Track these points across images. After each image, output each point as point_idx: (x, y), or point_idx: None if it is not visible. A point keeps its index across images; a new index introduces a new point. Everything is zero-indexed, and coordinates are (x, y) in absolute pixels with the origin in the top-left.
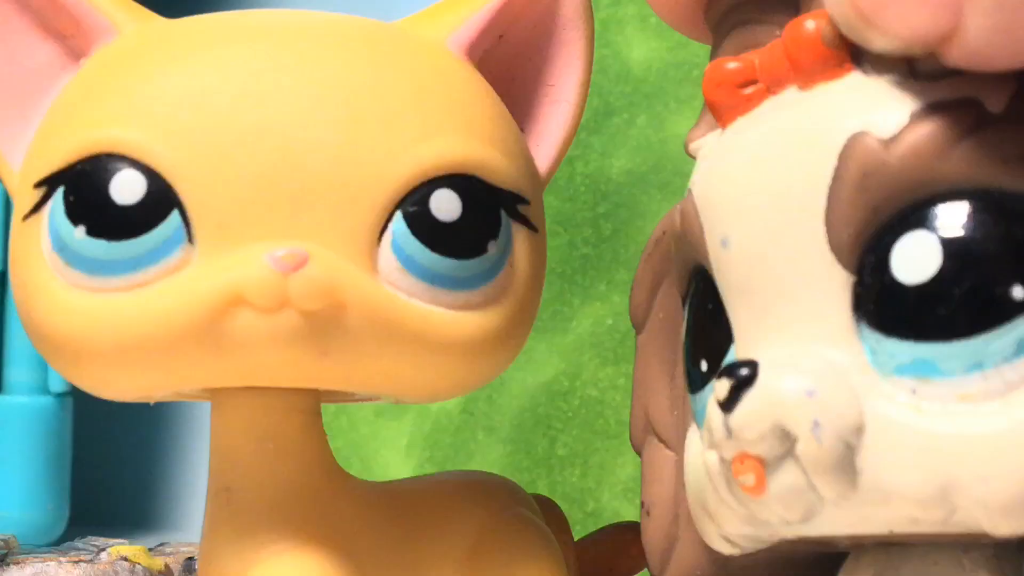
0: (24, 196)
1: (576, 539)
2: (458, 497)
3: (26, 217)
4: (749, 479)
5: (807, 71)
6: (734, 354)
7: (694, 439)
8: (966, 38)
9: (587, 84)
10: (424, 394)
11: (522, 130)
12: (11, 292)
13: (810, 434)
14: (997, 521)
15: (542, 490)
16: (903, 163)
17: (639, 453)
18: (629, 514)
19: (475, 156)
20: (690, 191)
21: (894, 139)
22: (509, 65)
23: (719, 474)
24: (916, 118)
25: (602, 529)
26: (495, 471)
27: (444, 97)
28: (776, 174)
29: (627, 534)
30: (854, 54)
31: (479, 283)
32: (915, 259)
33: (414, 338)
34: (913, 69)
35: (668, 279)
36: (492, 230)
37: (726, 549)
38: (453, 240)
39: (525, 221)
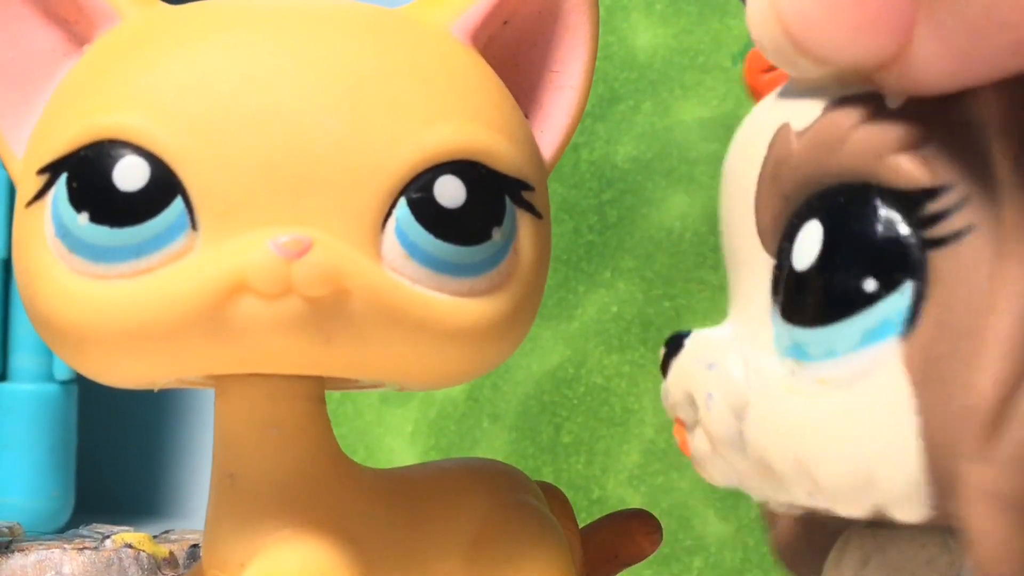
0: (27, 183)
1: (581, 526)
2: (463, 484)
3: (29, 204)
4: (677, 440)
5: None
6: None
7: None
8: (912, 63)
9: (592, 70)
10: (428, 381)
11: (527, 116)
12: (15, 279)
13: (705, 404)
14: (832, 502)
15: (547, 477)
16: (804, 154)
17: None
18: (634, 501)
19: (479, 142)
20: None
21: (804, 131)
22: (514, 51)
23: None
24: (826, 110)
25: (607, 516)
26: (500, 458)
27: (448, 83)
28: (739, 159)
29: (632, 521)
30: None
31: (483, 270)
32: (806, 246)
33: (418, 325)
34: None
35: None
36: (496, 216)
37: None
38: (457, 226)
39: (530, 208)
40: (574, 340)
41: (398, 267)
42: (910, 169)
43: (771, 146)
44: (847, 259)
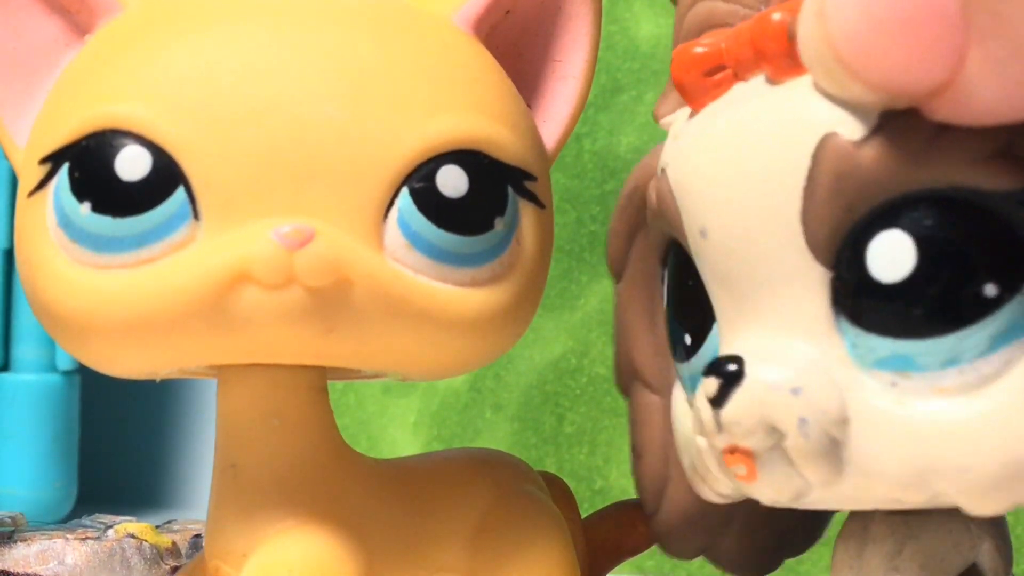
0: (29, 172)
1: (583, 517)
2: (465, 475)
3: (31, 193)
4: (740, 469)
5: (775, 65)
6: (717, 334)
7: (680, 399)
8: (964, 91)
9: (594, 60)
10: (430, 371)
11: (529, 106)
12: (17, 269)
13: (797, 431)
14: (975, 503)
15: (550, 468)
16: (876, 165)
17: (625, 396)
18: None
19: (482, 132)
20: (664, 171)
21: (865, 140)
22: (516, 40)
23: (711, 457)
24: (885, 119)
25: (609, 506)
26: (503, 449)
27: (451, 73)
28: (750, 170)
29: (634, 511)
30: None
31: (486, 260)
32: (890, 258)
33: (420, 314)
34: None
35: (643, 231)
36: (499, 206)
37: (717, 500)
38: (459, 216)
39: (532, 197)
40: (577, 330)
41: (400, 257)
42: (1005, 170)
43: (820, 157)
44: (957, 268)
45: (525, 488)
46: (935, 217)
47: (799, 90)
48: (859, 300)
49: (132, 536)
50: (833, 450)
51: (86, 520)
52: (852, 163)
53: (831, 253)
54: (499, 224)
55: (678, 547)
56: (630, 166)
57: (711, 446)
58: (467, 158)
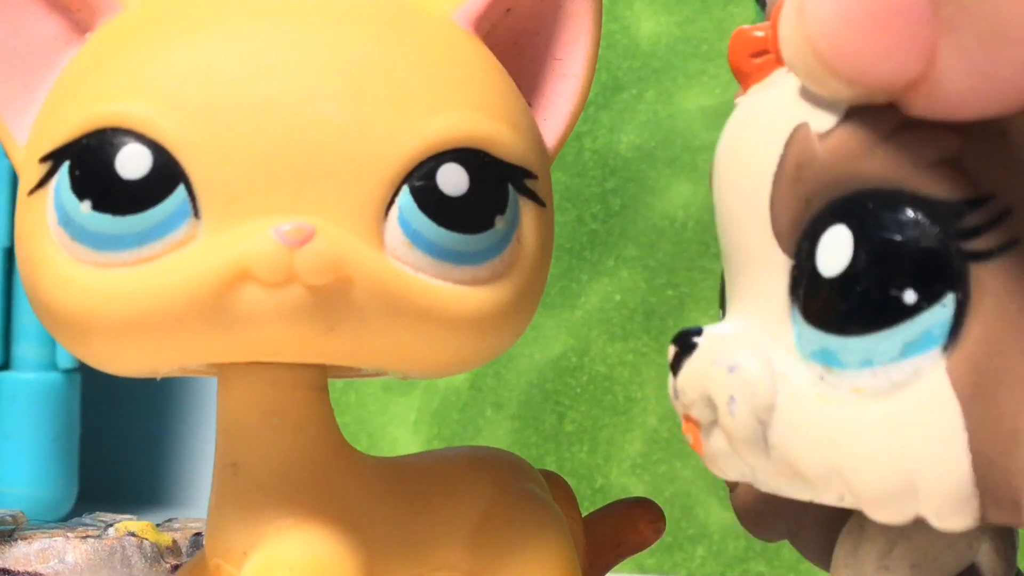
0: (30, 171)
1: (584, 515)
2: (466, 473)
3: (32, 192)
4: (689, 438)
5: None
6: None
7: None
8: (939, 84)
9: (595, 58)
10: (431, 369)
11: (529, 104)
12: (17, 267)
13: (727, 407)
14: (870, 509)
15: (550, 466)
16: (831, 158)
17: None
18: (637, 490)
19: (482, 130)
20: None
21: (827, 134)
22: (516, 38)
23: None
24: (848, 115)
25: (610, 504)
26: (503, 447)
27: (451, 71)
28: (745, 152)
29: (635, 509)
30: None
31: (486, 258)
32: (832, 252)
33: (421, 313)
34: None
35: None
36: (499, 205)
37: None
38: (460, 214)
39: (533, 196)
40: (577, 329)
41: (401, 255)
42: (950, 179)
43: (789, 146)
44: (883, 269)
45: (525, 486)
46: (875, 217)
47: (795, 81)
48: (806, 291)
49: (133, 534)
50: (760, 433)
51: (87, 518)
52: (811, 154)
53: (792, 243)
54: (500, 222)
55: (758, 528)
56: (630, 164)
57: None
58: (468, 156)
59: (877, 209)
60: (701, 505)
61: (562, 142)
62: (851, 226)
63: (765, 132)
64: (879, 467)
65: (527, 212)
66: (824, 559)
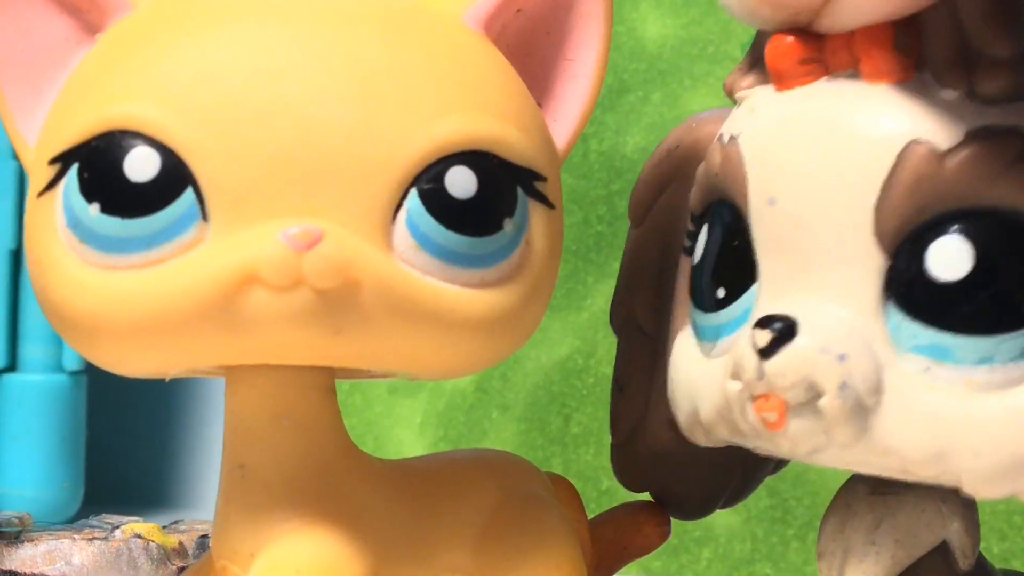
0: (39, 172)
1: (590, 518)
2: (472, 476)
3: (41, 194)
4: (772, 416)
5: (875, 70)
6: (754, 294)
7: (688, 346)
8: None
9: (606, 58)
10: (438, 372)
11: (539, 105)
12: (26, 269)
13: (837, 392)
14: (978, 486)
15: (556, 468)
16: (954, 176)
17: (617, 334)
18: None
19: (491, 132)
20: (734, 139)
21: (948, 153)
22: (526, 39)
23: (737, 402)
24: (970, 138)
25: (616, 507)
26: (509, 449)
27: (460, 73)
28: (835, 156)
29: (640, 513)
30: (918, 61)
31: (495, 261)
32: (949, 260)
33: (429, 316)
34: (972, 90)
35: (672, 187)
36: (508, 207)
37: (704, 443)
38: (469, 217)
39: (542, 198)
40: (583, 331)
41: (409, 258)
42: None
43: (905, 160)
44: (1007, 281)
45: (531, 489)
46: (996, 233)
47: (894, 95)
48: (911, 291)
49: (139, 536)
50: (862, 416)
51: (93, 520)
52: (933, 170)
53: (894, 244)
54: (508, 225)
55: (634, 480)
56: (636, 166)
57: (743, 391)
58: (476, 159)
59: (999, 226)
60: None
61: (572, 143)
62: (970, 238)
63: (860, 140)
64: (995, 451)
65: (536, 214)
66: (687, 511)
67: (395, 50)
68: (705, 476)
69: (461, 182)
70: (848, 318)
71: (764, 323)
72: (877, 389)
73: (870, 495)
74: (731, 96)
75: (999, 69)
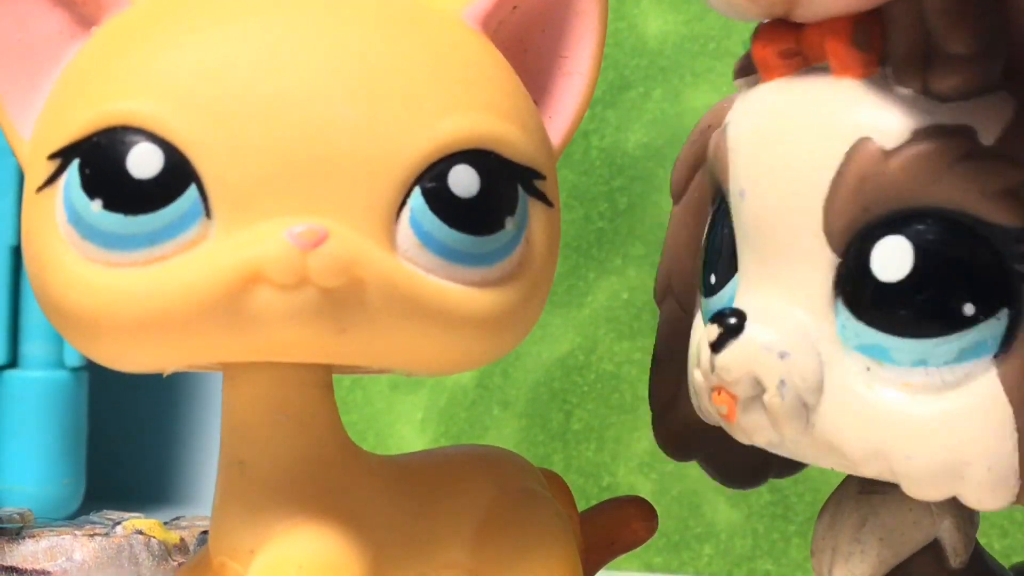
0: (37, 167)
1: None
2: (469, 471)
3: (40, 189)
4: (723, 409)
5: (840, 64)
6: (736, 285)
7: (699, 325)
8: None
9: (601, 56)
10: (439, 368)
11: (535, 102)
12: (25, 266)
13: (776, 390)
14: (915, 488)
15: (557, 465)
16: (897, 175)
17: (658, 306)
18: (645, 488)
19: (493, 131)
20: (725, 127)
21: (894, 151)
22: (523, 36)
23: (703, 391)
24: (917, 136)
25: (605, 502)
26: (510, 446)
27: (462, 72)
28: (793, 149)
29: (628, 507)
30: (882, 58)
31: (496, 259)
32: (890, 260)
33: (432, 314)
34: (926, 87)
35: (705, 165)
36: (510, 206)
37: (711, 423)
38: (471, 216)
39: (541, 196)
40: (584, 327)
41: (412, 257)
42: (1011, 208)
43: (852, 157)
44: (945, 283)
45: (527, 484)
46: (938, 234)
47: (853, 90)
48: (857, 290)
49: (140, 532)
50: (803, 413)
51: (94, 516)
52: (877, 169)
53: (842, 243)
54: (510, 224)
55: (677, 450)
56: (638, 163)
57: (704, 382)
58: (478, 158)
59: (940, 228)
60: (708, 504)
61: (567, 141)
62: (912, 239)
63: (817, 136)
64: (927, 454)
65: (536, 213)
66: (734, 479)
67: (398, 48)
68: (748, 447)
69: (464, 181)
70: (797, 315)
71: (717, 317)
72: (818, 387)
73: (859, 494)
74: (737, 84)
75: (955, 66)
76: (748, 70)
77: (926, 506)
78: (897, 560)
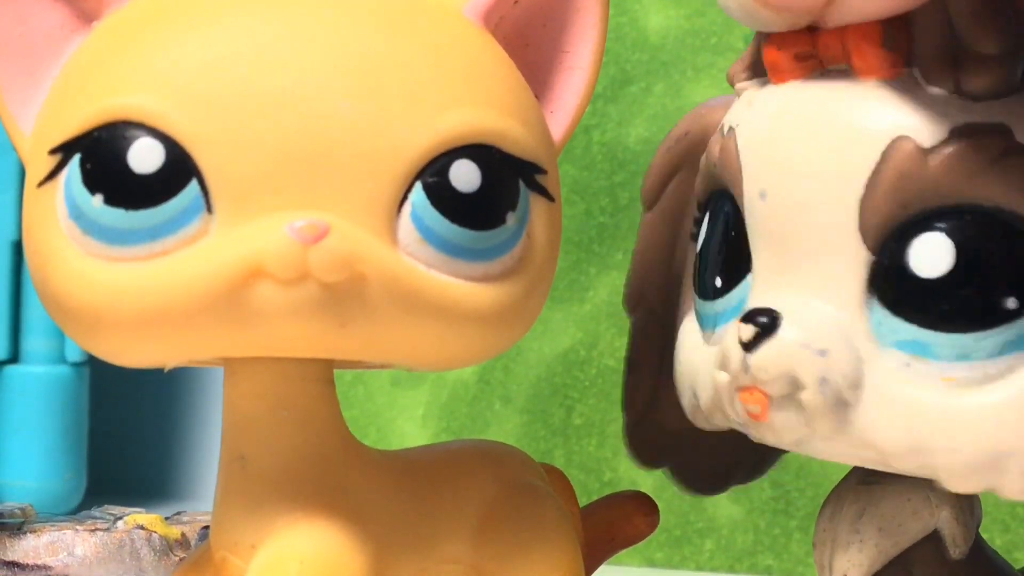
0: (38, 162)
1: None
2: (469, 466)
3: (41, 184)
4: (755, 408)
5: (865, 66)
6: (748, 285)
7: (691, 331)
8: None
9: (602, 51)
10: (440, 363)
11: (536, 97)
12: (26, 260)
13: (816, 387)
14: (954, 480)
15: (558, 460)
16: (936, 173)
17: (629, 314)
18: (646, 483)
19: (494, 126)
20: (732, 130)
21: (932, 150)
22: (524, 31)
23: (726, 392)
24: (954, 135)
25: (605, 497)
26: (511, 441)
27: (463, 66)
28: (823, 151)
29: (629, 503)
30: (908, 58)
31: (497, 254)
32: (930, 256)
33: (433, 309)
34: (959, 87)
35: (682, 173)
36: (511, 200)
37: (706, 428)
38: (472, 211)
39: (543, 191)
40: (585, 322)
41: (413, 252)
42: None
43: (889, 156)
44: (986, 278)
45: (528, 479)
46: (978, 230)
47: (882, 91)
48: (894, 287)
49: (141, 527)
50: (842, 410)
51: (95, 511)
52: (917, 167)
53: (877, 241)
54: (511, 219)
55: (646, 458)
56: (639, 157)
57: (731, 382)
58: (480, 153)
59: (980, 224)
60: (709, 499)
61: (568, 136)
62: (951, 235)
63: (847, 136)
64: (971, 447)
65: (537, 208)
66: (698, 487)
67: (399, 43)
68: (719, 452)
69: (465, 176)
70: (831, 313)
71: (749, 317)
72: (857, 384)
73: (858, 485)
74: (733, 86)
75: (986, 66)
76: (754, 73)
77: (925, 496)
78: (897, 550)
